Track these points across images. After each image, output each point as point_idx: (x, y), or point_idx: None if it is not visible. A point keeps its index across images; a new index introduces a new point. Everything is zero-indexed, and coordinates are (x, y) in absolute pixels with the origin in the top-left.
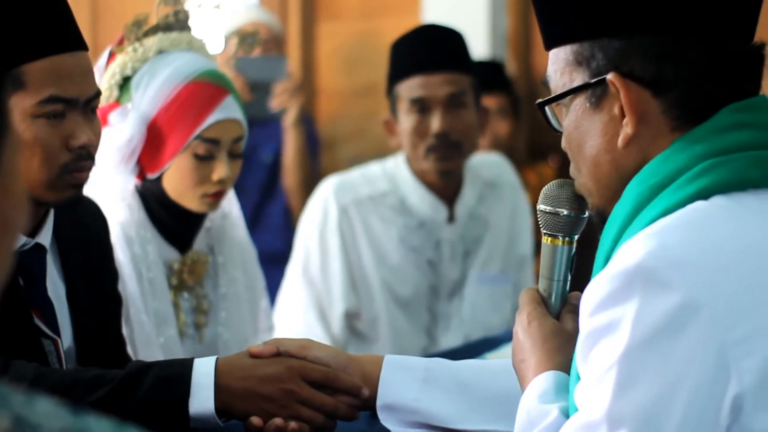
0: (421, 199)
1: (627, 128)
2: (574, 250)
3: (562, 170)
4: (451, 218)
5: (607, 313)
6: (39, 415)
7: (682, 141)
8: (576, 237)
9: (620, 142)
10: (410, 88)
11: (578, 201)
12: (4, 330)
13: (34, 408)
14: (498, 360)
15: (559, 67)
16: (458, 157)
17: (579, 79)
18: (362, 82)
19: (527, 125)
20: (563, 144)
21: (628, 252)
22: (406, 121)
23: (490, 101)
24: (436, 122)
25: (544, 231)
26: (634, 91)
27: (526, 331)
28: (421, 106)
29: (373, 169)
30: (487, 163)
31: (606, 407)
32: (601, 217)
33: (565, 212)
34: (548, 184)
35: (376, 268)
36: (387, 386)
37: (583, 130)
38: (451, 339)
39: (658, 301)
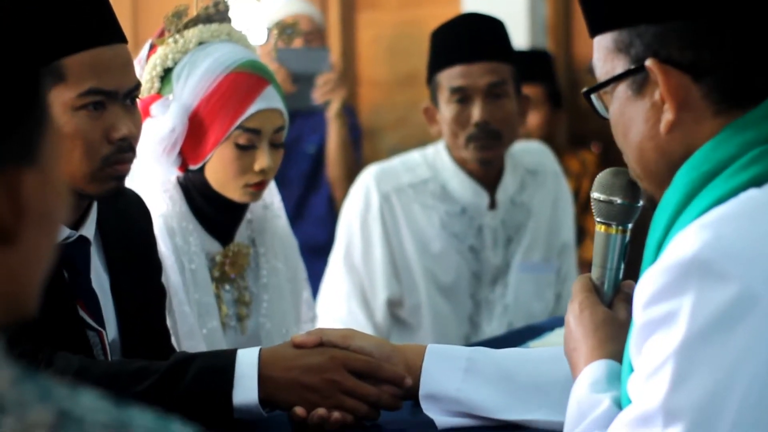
0: (462, 186)
1: (668, 114)
2: (627, 238)
3: (605, 157)
4: (492, 205)
5: (662, 306)
6: (82, 408)
7: (732, 127)
8: (630, 226)
9: (662, 128)
10: (451, 77)
11: (633, 190)
12: (49, 322)
13: (77, 401)
14: (541, 349)
15: (602, 54)
16: (498, 146)
17: (620, 66)
18: (403, 71)
19: (569, 112)
20: (612, 131)
21: (683, 243)
22: (446, 110)
23: (525, 91)
24: (476, 111)
25: (598, 219)
26: (674, 77)
27: (577, 319)
28: (462, 96)
29: (414, 156)
30: (528, 151)
31: (662, 399)
32: (653, 203)
33: (619, 201)
34: (603, 172)
35: (418, 255)
36: (430, 376)
37: (627, 118)
38: (494, 327)
39: (714, 293)
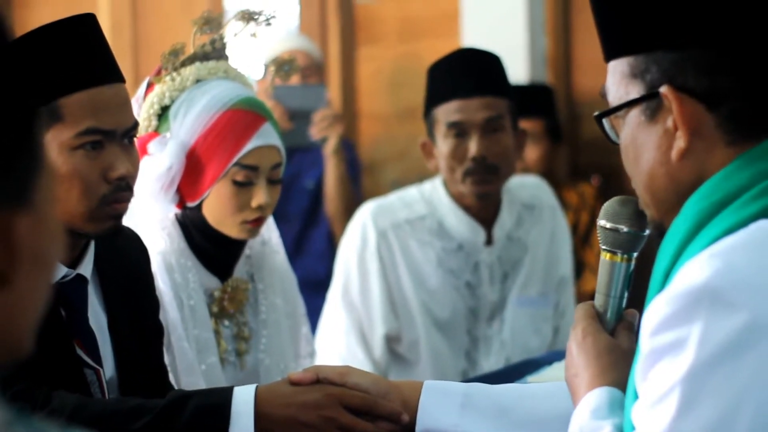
0: (459, 222)
1: (680, 141)
2: (632, 267)
3: (604, 190)
4: (489, 241)
5: (670, 333)
6: None
7: (744, 158)
8: (635, 254)
9: (674, 155)
10: (447, 112)
11: (639, 218)
12: (46, 361)
13: None
14: (538, 384)
15: (616, 79)
16: (495, 181)
17: (634, 91)
18: (403, 105)
19: (569, 145)
20: (622, 156)
21: (693, 272)
22: (443, 144)
23: (523, 126)
24: (473, 146)
25: (604, 247)
26: (688, 105)
27: (580, 345)
28: (459, 130)
29: (411, 192)
30: (525, 186)
31: (667, 426)
32: (659, 231)
33: (626, 229)
34: (610, 201)
35: (415, 291)
36: (426, 412)
37: (639, 143)
38: (492, 362)
39: (723, 321)
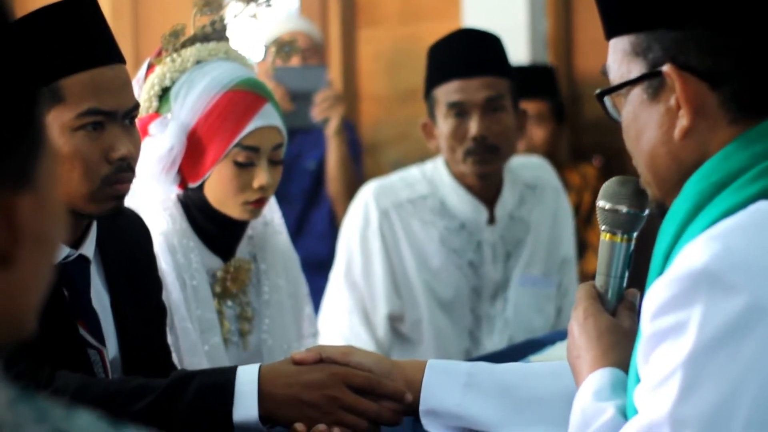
0: (461, 201)
1: (683, 120)
2: (632, 247)
3: (606, 170)
4: (491, 220)
5: (670, 316)
6: (78, 429)
7: (744, 138)
8: (635, 234)
9: (677, 134)
10: (448, 92)
11: (638, 198)
12: (49, 341)
13: (73, 421)
14: (541, 363)
15: (617, 57)
16: (496, 161)
17: (636, 70)
18: (404, 87)
19: (570, 126)
20: (624, 134)
21: (692, 254)
22: (444, 125)
23: (528, 107)
24: (473, 126)
25: (603, 227)
26: (691, 83)
27: (581, 326)
28: (459, 110)
29: (413, 172)
30: (527, 166)
31: (669, 409)
32: (661, 209)
33: (625, 209)
34: (609, 181)
35: (418, 270)
36: (430, 391)
37: (641, 122)
38: (495, 341)
39: (723, 304)
